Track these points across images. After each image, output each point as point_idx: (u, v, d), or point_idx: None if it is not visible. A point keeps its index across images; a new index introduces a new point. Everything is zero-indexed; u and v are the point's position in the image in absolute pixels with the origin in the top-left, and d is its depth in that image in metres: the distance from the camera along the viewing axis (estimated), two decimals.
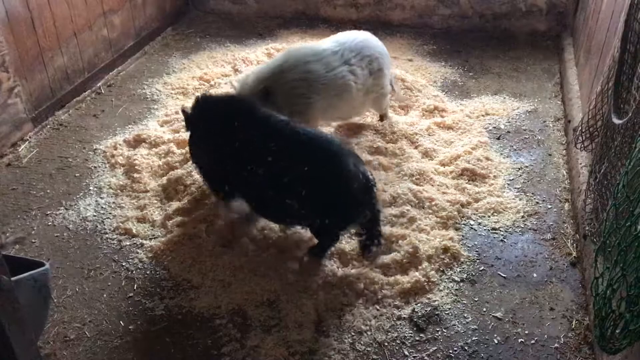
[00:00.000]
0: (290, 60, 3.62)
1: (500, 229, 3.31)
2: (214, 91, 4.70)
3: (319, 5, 6.26)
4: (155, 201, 3.51)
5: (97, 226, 3.35)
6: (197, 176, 3.58)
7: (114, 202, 3.53)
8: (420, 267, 2.98)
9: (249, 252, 3.12)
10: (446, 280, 2.96)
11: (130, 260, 3.11)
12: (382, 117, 4.29)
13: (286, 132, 2.91)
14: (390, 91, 4.18)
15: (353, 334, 2.67)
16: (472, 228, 3.31)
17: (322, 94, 3.63)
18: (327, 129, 4.16)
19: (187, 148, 3.56)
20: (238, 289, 2.90)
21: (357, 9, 6.20)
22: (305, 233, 3.20)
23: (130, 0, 5.35)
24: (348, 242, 3.16)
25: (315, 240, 3.07)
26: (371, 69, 3.86)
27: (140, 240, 3.22)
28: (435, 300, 2.83)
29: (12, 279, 1.61)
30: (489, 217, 3.39)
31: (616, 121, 2.44)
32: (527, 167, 3.84)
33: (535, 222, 3.35)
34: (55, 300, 2.85)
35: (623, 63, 2.60)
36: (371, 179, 2.92)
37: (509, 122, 4.38)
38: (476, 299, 2.86)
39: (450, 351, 2.60)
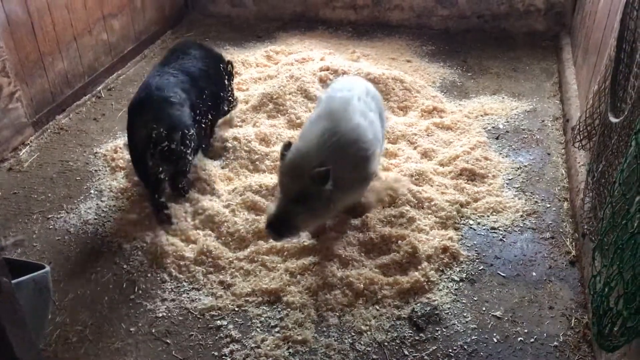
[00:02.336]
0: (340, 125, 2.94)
1: (500, 228, 3.32)
2: None
3: (318, 7, 6.28)
4: None
5: (98, 229, 3.36)
6: (196, 175, 3.61)
7: (114, 206, 3.54)
8: (419, 267, 2.99)
9: (249, 253, 3.13)
10: (445, 279, 2.98)
11: (131, 263, 3.12)
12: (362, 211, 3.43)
13: None
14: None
15: (353, 334, 2.69)
16: (471, 227, 3.33)
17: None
18: None
19: None
20: (238, 290, 2.91)
21: (355, 11, 6.22)
22: (302, 236, 3.22)
23: (130, 4, 5.38)
24: (346, 246, 3.17)
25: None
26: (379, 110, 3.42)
27: (141, 243, 3.23)
28: (434, 300, 2.85)
29: (13, 281, 1.63)
30: (488, 216, 3.40)
31: (613, 120, 2.46)
32: (526, 166, 3.85)
33: (534, 221, 3.36)
34: (56, 303, 2.86)
35: (619, 62, 2.61)
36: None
37: (507, 121, 4.39)
38: (475, 298, 2.87)
39: (450, 350, 2.61)
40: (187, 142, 3.33)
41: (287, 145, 2.91)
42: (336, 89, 3.27)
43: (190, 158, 3.43)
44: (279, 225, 2.82)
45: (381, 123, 3.35)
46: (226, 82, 4.05)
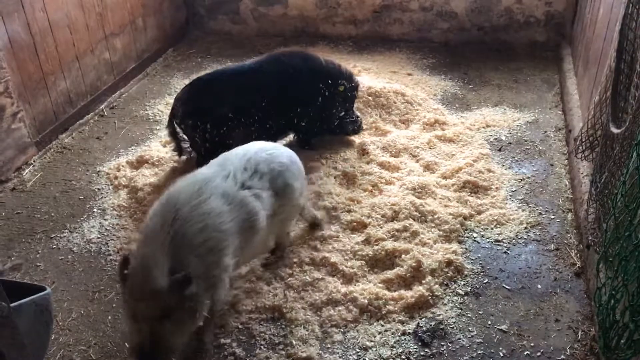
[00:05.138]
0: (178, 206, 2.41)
1: (504, 240, 3.30)
2: None
3: (319, 22, 6.32)
4: None
5: (101, 248, 3.36)
6: None
7: (117, 224, 3.54)
8: (424, 281, 2.97)
9: (252, 269, 3.12)
10: (450, 293, 2.95)
11: None
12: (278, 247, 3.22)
13: None
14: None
15: (358, 350, 2.66)
16: (475, 240, 3.31)
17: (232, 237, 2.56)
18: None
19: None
20: (242, 307, 2.90)
21: (356, 25, 6.25)
22: (305, 252, 3.21)
23: (132, 23, 5.42)
24: (349, 259, 3.16)
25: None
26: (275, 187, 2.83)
27: None
28: (439, 315, 2.82)
29: (14, 304, 1.62)
30: (492, 229, 3.38)
31: (614, 130, 2.45)
32: (529, 177, 3.84)
33: (538, 233, 3.34)
34: (60, 323, 2.85)
35: (620, 72, 2.61)
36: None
37: (510, 133, 4.39)
38: (481, 312, 2.85)
39: None
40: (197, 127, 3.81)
41: (125, 262, 2.26)
42: (209, 165, 2.78)
43: (198, 141, 3.87)
44: (153, 355, 2.25)
45: (280, 200, 2.81)
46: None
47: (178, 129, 3.98)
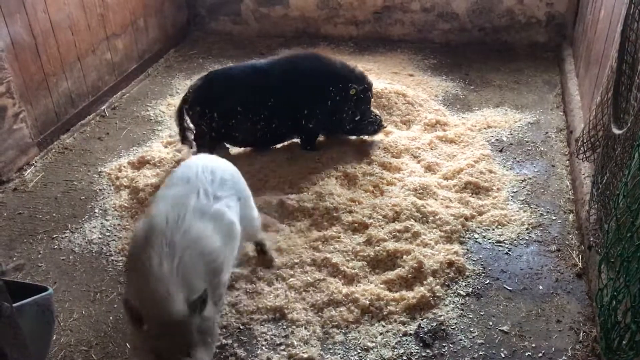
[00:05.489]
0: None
1: (505, 241, 3.30)
2: None
3: (320, 23, 6.33)
4: None
5: (102, 248, 3.36)
6: None
7: (119, 224, 3.55)
8: (425, 282, 2.97)
9: (252, 270, 3.12)
10: (452, 294, 2.95)
11: None
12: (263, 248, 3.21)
13: None
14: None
15: (359, 350, 2.66)
16: (476, 241, 3.31)
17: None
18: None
19: None
20: (243, 308, 2.90)
21: (357, 26, 6.25)
22: (307, 252, 3.21)
23: (133, 24, 5.43)
24: (350, 260, 3.16)
25: None
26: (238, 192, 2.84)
27: None
28: (441, 315, 2.82)
29: (16, 304, 1.62)
30: (493, 230, 3.38)
31: (616, 131, 2.45)
32: (530, 178, 3.84)
33: (539, 234, 3.34)
34: (61, 324, 2.86)
35: (621, 73, 2.61)
36: None
37: (511, 134, 4.39)
38: (482, 313, 2.85)
39: None
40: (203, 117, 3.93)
41: (132, 306, 2.10)
42: (173, 183, 2.63)
43: (204, 130, 4.00)
44: None
45: (242, 202, 2.78)
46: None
47: (186, 117, 4.07)
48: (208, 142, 4.02)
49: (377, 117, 4.24)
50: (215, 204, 2.55)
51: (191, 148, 4.10)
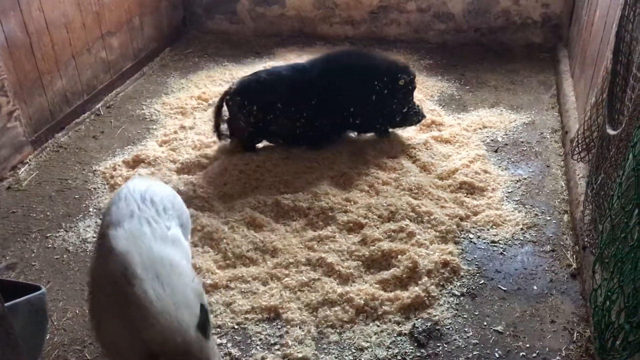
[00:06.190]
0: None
1: (500, 241, 3.30)
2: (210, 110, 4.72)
3: (316, 23, 6.32)
4: None
5: None
6: (195, 192, 3.60)
7: None
8: (420, 282, 2.97)
9: (247, 269, 3.12)
10: (446, 294, 2.95)
11: None
12: None
13: None
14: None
15: (354, 350, 2.66)
16: (471, 241, 3.31)
17: None
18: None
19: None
20: (238, 307, 2.89)
21: (353, 26, 6.25)
22: (302, 252, 3.21)
23: (128, 22, 5.41)
24: (345, 260, 3.16)
25: None
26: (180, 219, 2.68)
27: None
28: (435, 315, 2.82)
29: (8, 303, 1.61)
30: (488, 230, 3.39)
31: (611, 132, 2.46)
32: (525, 179, 3.84)
33: (534, 234, 3.35)
34: (55, 323, 2.84)
35: (616, 74, 2.62)
36: None
37: (506, 134, 4.39)
38: (477, 313, 2.85)
39: None
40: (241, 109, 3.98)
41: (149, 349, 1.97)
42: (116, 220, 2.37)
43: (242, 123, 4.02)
44: None
45: (183, 230, 2.63)
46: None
47: (225, 108, 4.11)
48: (246, 139, 4.10)
49: (419, 106, 4.30)
50: (169, 231, 2.42)
51: (221, 140, 4.18)
